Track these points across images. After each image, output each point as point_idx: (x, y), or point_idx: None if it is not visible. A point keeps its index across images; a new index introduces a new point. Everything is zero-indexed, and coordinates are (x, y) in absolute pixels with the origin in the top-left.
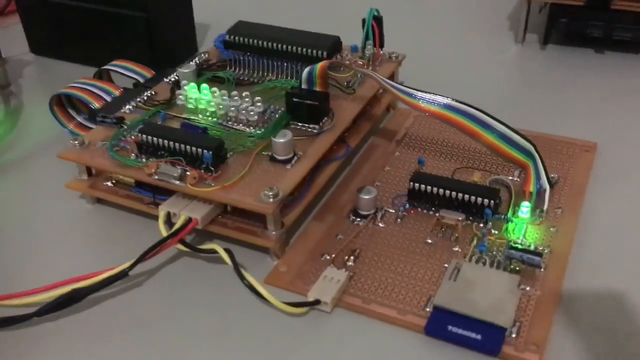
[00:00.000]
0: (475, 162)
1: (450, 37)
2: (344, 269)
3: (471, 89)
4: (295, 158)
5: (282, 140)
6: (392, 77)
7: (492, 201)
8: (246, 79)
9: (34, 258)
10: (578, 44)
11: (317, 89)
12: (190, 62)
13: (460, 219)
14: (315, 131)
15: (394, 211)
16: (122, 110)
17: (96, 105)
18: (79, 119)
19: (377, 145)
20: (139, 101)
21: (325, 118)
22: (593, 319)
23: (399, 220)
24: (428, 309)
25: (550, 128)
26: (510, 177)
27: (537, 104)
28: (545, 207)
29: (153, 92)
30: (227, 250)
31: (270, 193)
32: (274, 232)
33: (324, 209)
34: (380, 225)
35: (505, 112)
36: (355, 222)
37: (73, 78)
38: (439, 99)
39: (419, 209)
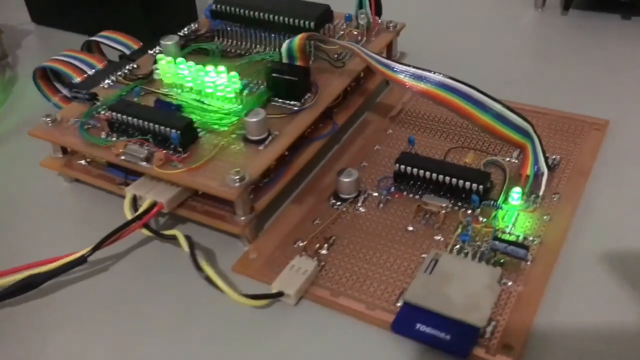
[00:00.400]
0: (473, 142)
1: (459, 2)
2: (314, 258)
3: (480, 61)
4: (270, 138)
5: (254, 120)
6: (389, 49)
7: (480, 186)
8: (233, 50)
9: (3, 238)
10: (603, 9)
11: (299, 63)
12: (178, 34)
13: (443, 205)
14: (295, 108)
15: (377, 194)
16: (101, 85)
17: (77, 79)
18: (64, 92)
19: (370, 122)
20: (120, 75)
21: (308, 94)
22: (579, 321)
23: (381, 205)
24: (399, 304)
25: (562, 103)
26: (508, 159)
27: (551, 76)
28: (541, 193)
29: (135, 66)
30: (187, 238)
31: (236, 177)
32: (242, 218)
33: (305, 191)
34: (361, 210)
35: (514, 86)
36: (335, 207)
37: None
38: (428, 75)
39: (405, 193)
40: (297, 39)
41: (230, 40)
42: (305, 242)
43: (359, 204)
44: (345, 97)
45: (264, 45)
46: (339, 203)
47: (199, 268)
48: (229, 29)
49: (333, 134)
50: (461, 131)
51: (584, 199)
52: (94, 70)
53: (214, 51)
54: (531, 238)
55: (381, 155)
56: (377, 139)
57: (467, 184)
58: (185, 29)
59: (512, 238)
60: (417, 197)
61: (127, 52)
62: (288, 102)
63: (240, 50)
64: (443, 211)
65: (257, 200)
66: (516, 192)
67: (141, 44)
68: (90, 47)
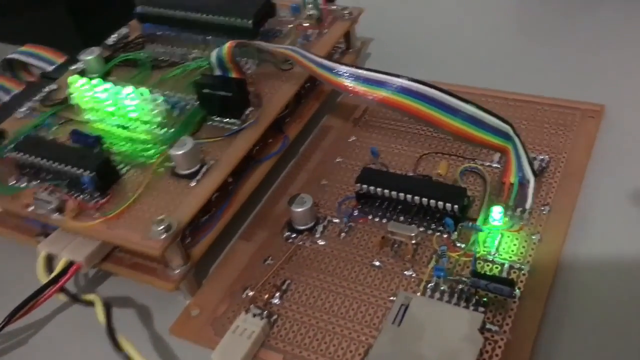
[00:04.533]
0: (447, 144)
1: None
2: (263, 314)
3: (452, 43)
4: (204, 169)
5: (180, 152)
6: (347, 39)
7: (455, 206)
8: (166, 58)
9: None
10: None
11: (233, 75)
12: (105, 43)
13: (412, 235)
14: (235, 128)
15: (338, 221)
16: (14, 116)
17: None
18: None
19: (330, 128)
20: (37, 100)
21: (250, 108)
22: None
23: (343, 234)
24: None
25: (548, 88)
26: (489, 163)
27: (535, 57)
28: (527, 206)
29: (53, 88)
30: (106, 306)
31: (160, 227)
32: (176, 271)
33: (255, 223)
34: (320, 243)
35: (492, 70)
36: (290, 240)
37: None
38: (384, 79)
39: (370, 217)
40: (225, 48)
41: (163, 46)
42: (253, 292)
43: (317, 235)
44: (298, 103)
45: (201, 49)
46: (293, 235)
47: (117, 346)
48: (159, 33)
49: (285, 149)
50: (433, 133)
51: (579, 210)
52: (9, 96)
53: (144, 62)
54: (518, 266)
55: (343, 169)
56: (338, 149)
57: (440, 204)
58: (114, 36)
59: (496, 268)
60: (384, 220)
61: (51, 68)
62: (226, 120)
63: (174, 57)
64: (412, 241)
65: (195, 243)
66: (497, 212)
67: (65, 57)
68: (12, 66)
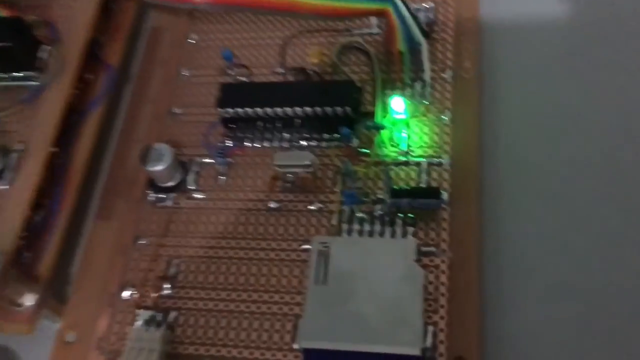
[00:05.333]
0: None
1: None
2: (156, 321)
3: None
4: (13, 161)
5: None
6: None
7: (347, 107)
8: None
9: None
10: None
11: (2, 14)
12: None
13: (308, 163)
14: (34, 82)
15: (210, 160)
16: None
17: None
18: None
19: (161, 30)
20: None
21: (47, 47)
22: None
23: (221, 177)
24: (296, 346)
25: None
26: (367, 30)
27: None
28: (427, 78)
29: None
30: None
31: None
32: (25, 306)
33: (108, 192)
34: (197, 197)
35: None
36: (160, 204)
37: None
38: None
39: (248, 143)
40: None
41: None
42: (136, 289)
43: (191, 187)
44: (108, 13)
45: None
46: (161, 196)
47: None
48: None
49: (113, 83)
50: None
51: (487, 66)
52: None
53: None
54: (437, 160)
55: (194, 86)
56: (178, 58)
57: (329, 109)
58: None
59: (414, 171)
60: (265, 144)
61: None
62: (16, 75)
63: None
64: (310, 169)
65: (38, 257)
66: (399, 104)
67: None
68: None
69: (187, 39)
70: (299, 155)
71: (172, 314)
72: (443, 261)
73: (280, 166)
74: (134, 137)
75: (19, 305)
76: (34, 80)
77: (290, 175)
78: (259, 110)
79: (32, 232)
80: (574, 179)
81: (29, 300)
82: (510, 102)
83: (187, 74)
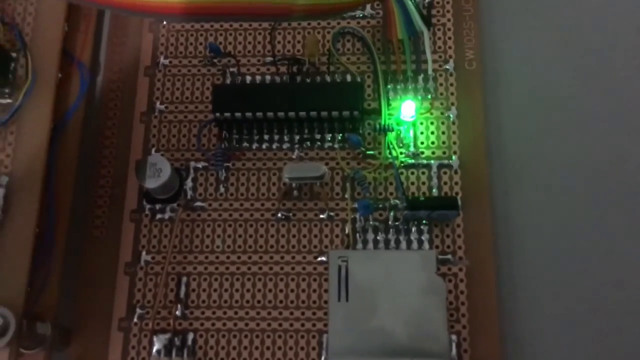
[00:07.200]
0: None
1: None
2: (174, 345)
3: None
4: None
5: None
6: None
7: (354, 112)
8: None
9: None
10: None
11: None
12: None
13: (321, 174)
14: (10, 101)
15: (205, 164)
16: None
17: None
18: None
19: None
20: None
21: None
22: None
23: (222, 187)
24: None
25: None
26: (360, 14)
27: None
28: (430, 70)
29: None
30: None
31: None
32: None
33: (101, 205)
34: (198, 205)
35: None
36: (157, 217)
37: None
38: None
39: (246, 144)
40: None
41: None
42: (146, 311)
43: (189, 196)
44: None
45: None
46: (158, 207)
47: None
48: None
49: (88, 83)
50: None
51: (489, 53)
52: None
53: None
54: (447, 162)
55: (178, 77)
56: (156, 45)
57: (335, 113)
58: None
59: (423, 174)
60: (264, 146)
61: None
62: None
63: None
64: (318, 182)
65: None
66: (410, 108)
67: None
68: None
69: (161, 23)
70: (310, 167)
71: (190, 336)
72: (461, 269)
73: (291, 179)
74: (115, 143)
75: (31, 348)
76: (7, 97)
77: (301, 187)
78: (258, 114)
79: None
80: (587, 172)
81: (35, 345)
82: (513, 92)
83: (165, 62)
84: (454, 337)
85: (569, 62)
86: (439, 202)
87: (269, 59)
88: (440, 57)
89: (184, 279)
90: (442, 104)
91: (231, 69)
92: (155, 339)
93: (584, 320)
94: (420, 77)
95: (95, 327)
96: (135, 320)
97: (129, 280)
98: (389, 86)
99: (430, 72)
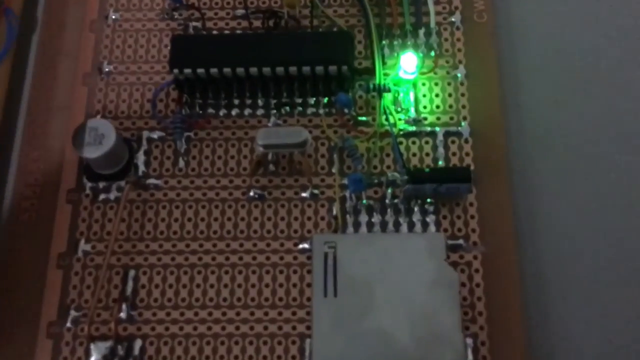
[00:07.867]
0: None
1: None
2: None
3: None
4: None
5: None
6: None
7: (343, 66)
8: None
9: None
10: None
11: None
12: None
13: (303, 140)
14: None
15: (163, 134)
16: None
17: None
18: None
19: None
20: None
21: None
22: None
23: (183, 160)
24: None
25: None
26: None
27: None
28: (432, 23)
29: None
30: None
31: None
32: None
33: (22, 182)
34: (152, 183)
35: None
36: (100, 198)
37: None
38: None
39: (212, 110)
40: None
41: None
42: (84, 313)
43: (140, 172)
44: None
45: None
46: (101, 184)
47: None
48: None
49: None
50: None
51: (501, 3)
52: None
53: None
54: (456, 129)
55: (125, 32)
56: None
57: (319, 68)
58: None
59: (427, 144)
60: (233, 112)
61: None
62: None
63: None
64: (299, 152)
65: None
66: (411, 62)
67: None
68: None
69: None
70: (289, 132)
71: (136, 343)
72: (475, 257)
73: (266, 147)
74: (51, 105)
75: None
76: None
77: (278, 157)
78: (225, 70)
79: None
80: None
81: None
82: (530, 47)
83: (115, 17)
84: (469, 340)
85: (593, 10)
86: (447, 174)
87: (240, 11)
88: (444, 8)
89: (132, 272)
90: (447, 62)
91: (194, 24)
92: (92, 347)
93: (629, 318)
94: (421, 32)
95: (18, 333)
96: (68, 324)
97: (62, 274)
98: (384, 42)
99: (432, 25)
